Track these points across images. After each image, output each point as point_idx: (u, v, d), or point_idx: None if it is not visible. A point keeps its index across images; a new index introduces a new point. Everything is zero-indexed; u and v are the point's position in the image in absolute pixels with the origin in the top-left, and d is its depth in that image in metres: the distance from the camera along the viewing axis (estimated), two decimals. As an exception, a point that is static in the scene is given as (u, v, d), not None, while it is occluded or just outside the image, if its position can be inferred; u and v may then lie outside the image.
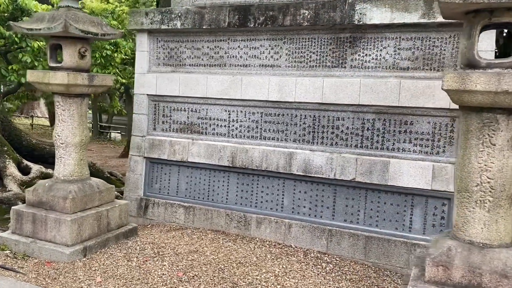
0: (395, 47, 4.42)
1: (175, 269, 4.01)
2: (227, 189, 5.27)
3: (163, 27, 5.39)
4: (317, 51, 4.75)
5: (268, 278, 3.90)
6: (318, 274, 4.10)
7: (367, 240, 4.53)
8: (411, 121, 4.40)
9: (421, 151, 4.37)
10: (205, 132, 5.39)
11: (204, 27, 5.16)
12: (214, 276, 3.87)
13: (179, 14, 5.27)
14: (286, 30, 4.84)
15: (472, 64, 2.81)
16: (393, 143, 4.48)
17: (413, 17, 4.20)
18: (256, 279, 3.87)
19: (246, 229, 5.10)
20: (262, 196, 5.09)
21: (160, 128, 5.66)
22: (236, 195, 5.22)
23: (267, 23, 4.81)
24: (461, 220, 2.97)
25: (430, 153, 4.33)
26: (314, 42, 4.75)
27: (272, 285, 3.76)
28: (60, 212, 4.31)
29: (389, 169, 4.43)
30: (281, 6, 4.74)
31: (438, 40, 4.24)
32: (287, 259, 4.43)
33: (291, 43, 4.87)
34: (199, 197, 5.45)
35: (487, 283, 2.77)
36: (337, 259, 4.56)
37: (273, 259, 4.39)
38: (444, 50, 4.23)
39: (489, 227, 2.86)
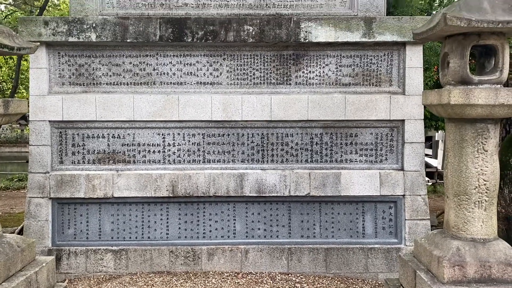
0: (336, 64, 4.63)
1: (159, 328, 3.35)
2: (167, 222, 4.68)
3: (71, 39, 4.47)
4: (260, 68, 4.63)
5: (264, 313, 3.61)
6: (303, 297, 3.98)
7: (326, 252, 4.61)
8: (356, 133, 4.67)
9: (367, 160, 4.68)
10: (134, 161, 4.68)
11: (128, 40, 4.48)
12: (211, 326, 3.38)
13: (94, 25, 4.46)
14: (226, 46, 4.59)
15: (465, 81, 3.14)
16: (341, 155, 4.68)
17: (355, 36, 4.48)
18: (256, 317, 3.53)
19: (196, 264, 4.61)
20: (211, 225, 4.68)
21: (69, 160, 4.67)
22: (179, 228, 4.67)
23: (208, 38, 4.47)
24: (461, 220, 3.28)
25: (375, 161, 4.68)
26: (257, 59, 4.62)
27: (275, 320, 3.49)
28: (-24, 289, 3.14)
29: (341, 180, 4.61)
30: (222, 21, 4.46)
31: (374, 58, 4.62)
32: None
33: (231, 59, 4.62)
34: (131, 237, 4.68)
35: (495, 273, 3.12)
36: (301, 277, 4.51)
37: (248, 291, 4.08)
38: (380, 67, 4.63)
39: (486, 223, 3.24)
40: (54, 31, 4.46)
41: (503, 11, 2.98)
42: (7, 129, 18.15)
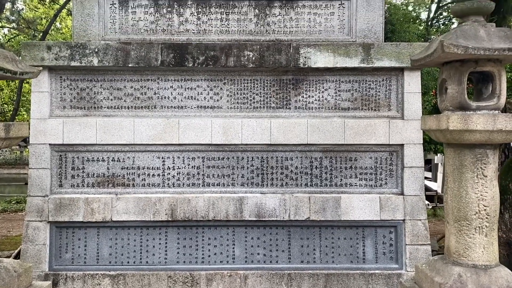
0: (335, 89, 4.68)
1: None
2: (166, 247, 4.63)
3: (73, 63, 4.53)
4: (260, 92, 4.68)
5: None
6: (303, 324, 3.90)
7: (326, 278, 4.55)
8: (355, 157, 4.68)
9: (367, 185, 4.67)
10: (133, 184, 4.67)
11: (130, 65, 4.54)
12: None
13: (96, 50, 4.52)
14: (227, 71, 4.64)
15: (463, 107, 3.17)
16: (341, 179, 4.68)
17: (354, 62, 4.54)
18: None
19: (195, 289, 4.55)
20: (209, 249, 4.63)
21: (69, 184, 4.66)
22: (178, 253, 4.63)
23: (208, 63, 4.53)
24: (462, 246, 3.26)
25: (375, 185, 4.67)
26: (257, 84, 4.67)
27: None
28: (-29, 315, 3.09)
29: (341, 204, 4.59)
30: (223, 46, 4.53)
31: (373, 83, 4.67)
32: (261, 314, 4.10)
33: (232, 84, 4.67)
34: (129, 262, 4.63)
35: (498, 301, 3.08)
36: (301, 303, 4.44)
37: (247, 317, 4.01)
38: (379, 92, 4.68)
39: (488, 249, 3.21)
40: (57, 55, 4.52)
41: (499, 38, 3.04)
42: (6, 151, 18.16)
